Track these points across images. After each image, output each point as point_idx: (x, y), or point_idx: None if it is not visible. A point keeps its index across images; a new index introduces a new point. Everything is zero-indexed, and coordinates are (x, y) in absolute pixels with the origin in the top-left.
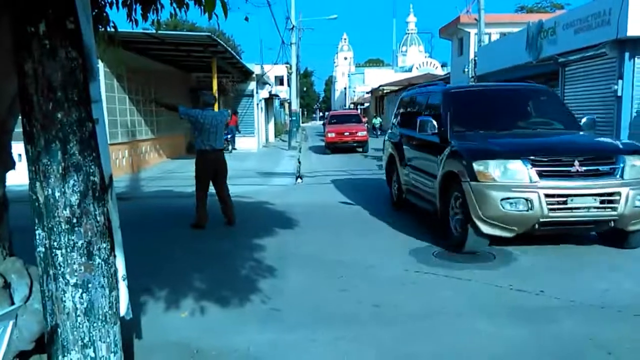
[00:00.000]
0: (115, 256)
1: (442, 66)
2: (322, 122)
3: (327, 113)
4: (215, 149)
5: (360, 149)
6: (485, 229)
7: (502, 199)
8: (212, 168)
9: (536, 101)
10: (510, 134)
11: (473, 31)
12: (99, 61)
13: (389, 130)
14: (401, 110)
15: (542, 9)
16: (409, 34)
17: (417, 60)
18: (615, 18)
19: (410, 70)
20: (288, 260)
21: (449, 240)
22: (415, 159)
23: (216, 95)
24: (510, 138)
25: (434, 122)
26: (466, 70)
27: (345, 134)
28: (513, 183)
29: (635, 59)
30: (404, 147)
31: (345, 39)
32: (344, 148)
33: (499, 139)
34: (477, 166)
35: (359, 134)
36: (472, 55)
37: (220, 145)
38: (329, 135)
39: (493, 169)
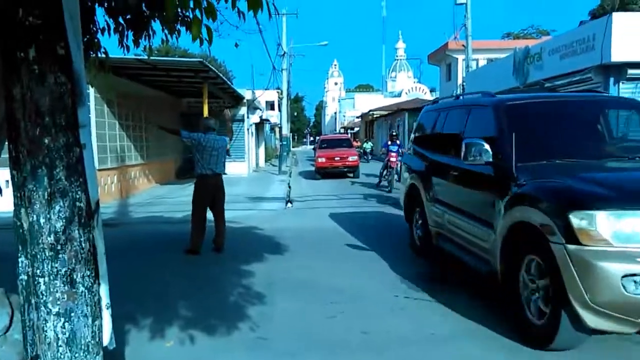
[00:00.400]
0: (99, 284)
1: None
2: (312, 146)
3: (317, 137)
4: (216, 173)
5: (351, 174)
6: (592, 320)
7: (624, 276)
8: (211, 193)
9: (622, 117)
10: (607, 167)
11: (461, 57)
12: (89, 86)
13: (406, 152)
14: (424, 129)
15: (528, 35)
16: (398, 59)
17: (406, 86)
18: (599, 44)
19: (399, 95)
20: (277, 287)
21: (523, 329)
22: (453, 195)
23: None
24: (615, 172)
25: (487, 148)
26: (454, 95)
27: (336, 158)
28: None
29: (620, 83)
30: (434, 177)
31: (335, 64)
32: (335, 173)
33: (596, 173)
34: (576, 220)
35: (350, 158)
36: (460, 81)
37: (221, 170)
38: (319, 160)
39: (606, 225)
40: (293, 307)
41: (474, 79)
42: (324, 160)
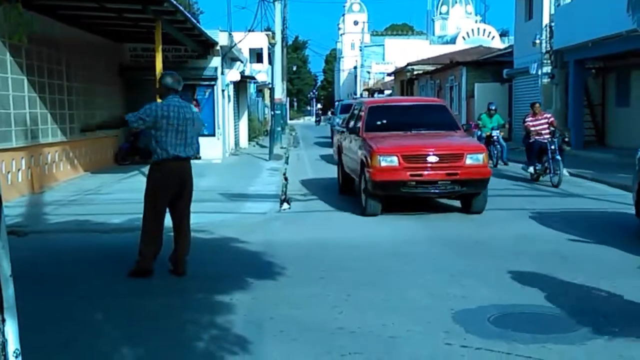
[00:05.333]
0: (4, 320)
1: (500, 36)
2: (317, 119)
3: (337, 103)
4: (181, 158)
5: (466, 202)
6: None
7: None
8: (173, 185)
9: None
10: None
11: None
12: None
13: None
14: None
15: None
16: None
17: (465, 27)
18: None
19: (453, 41)
20: (266, 328)
21: None
22: None
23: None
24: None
25: None
26: (537, 41)
27: (430, 158)
28: None
29: None
30: None
31: None
32: (421, 198)
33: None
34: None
35: (470, 160)
36: (546, 20)
37: (190, 153)
38: (379, 160)
39: None
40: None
41: (568, 17)
42: (393, 162)
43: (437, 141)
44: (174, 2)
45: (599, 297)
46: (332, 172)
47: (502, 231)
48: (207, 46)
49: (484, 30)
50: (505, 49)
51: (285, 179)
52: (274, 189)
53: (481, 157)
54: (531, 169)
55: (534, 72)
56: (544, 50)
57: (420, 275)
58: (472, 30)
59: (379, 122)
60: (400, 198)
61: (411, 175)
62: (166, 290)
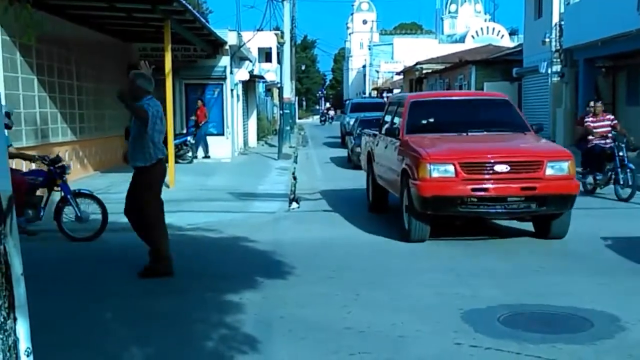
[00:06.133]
0: (15, 319)
1: (510, 34)
2: (322, 118)
3: (348, 102)
4: (165, 158)
5: (543, 226)
6: None
7: None
8: (162, 184)
9: None
10: None
11: None
12: None
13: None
14: None
15: None
16: None
17: (474, 26)
18: None
19: (462, 40)
20: (275, 327)
21: None
22: None
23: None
24: None
25: None
26: (547, 40)
27: (498, 167)
28: None
29: None
30: None
31: None
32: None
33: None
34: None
35: (553, 168)
36: (556, 19)
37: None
38: (435, 169)
39: None
40: (298, 359)
41: (577, 15)
42: (448, 172)
43: (506, 145)
44: (183, 2)
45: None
46: (347, 179)
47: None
48: (216, 45)
49: (493, 29)
50: (515, 47)
51: (294, 178)
52: (283, 188)
53: (566, 166)
54: (590, 179)
55: (544, 71)
56: (553, 49)
57: (429, 274)
58: (481, 29)
59: (424, 122)
60: (454, 219)
61: (473, 189)
62: (175, 289)
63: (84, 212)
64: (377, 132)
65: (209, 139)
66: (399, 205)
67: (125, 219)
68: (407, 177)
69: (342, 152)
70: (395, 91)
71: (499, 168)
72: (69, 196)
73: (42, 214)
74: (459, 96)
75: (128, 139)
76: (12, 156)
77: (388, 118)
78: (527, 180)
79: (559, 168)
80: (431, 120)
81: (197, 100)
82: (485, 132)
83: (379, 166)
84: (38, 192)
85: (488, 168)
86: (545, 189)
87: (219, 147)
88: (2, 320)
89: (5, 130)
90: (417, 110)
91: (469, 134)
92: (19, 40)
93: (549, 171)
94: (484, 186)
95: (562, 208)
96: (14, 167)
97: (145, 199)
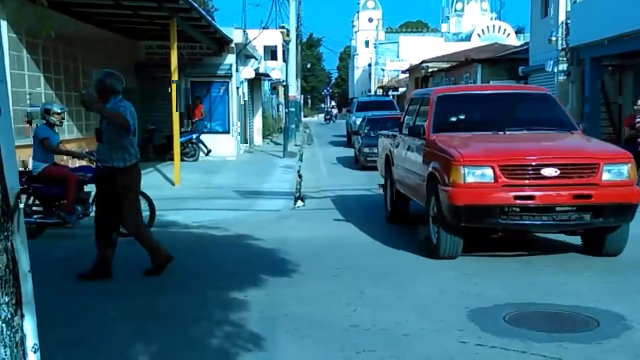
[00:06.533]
0: (22, 315)
1: (516, 33)
2: (327, 116)
3: (354, 100)
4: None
5: (597, 241)
6: None
7: None
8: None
9: None
10: None
11: None
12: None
13: None
14: None
15: None
16: None
17: (480, 24)
18: None
19: (468, 38)
20: (280, 325)
21: None
22: None
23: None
24: None
25: None
26: (553, 38)
27: (546, 170)
28: None
29: None
30: None
31: None
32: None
33: None
34: None
35: (610, 173)
36: (562, 17)
37: None
38: (470, 173)
39: None
40: (304, 355)
41: (584, 14)
42: (485, 176)
43: (554, 145)
44: (189, 0)
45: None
46: (356, 182)
47: None
48: (222, 43)
49: (499, 27)
50: (521, 46)
51: (299, 176)
52: (288, 187)
53: (626, 170)
54: None
55: (550, 70)
56: (559, 48)
57: (434, 273)
58: (487, 27)
59: (453, 119)
60: (492, 232)
61: (515, 197)
62: (180, 287)
63: None
64: (396, 133)
65: (211, 137)
66: (423, 214)
67: None
68: (434, 182)
69: (348, 152)
70: (401, 89)
71: (546, 172)
72: None
73: (90, 210)
74: (492, 90)
75: (101, 140)
76: (61, 153)
77: (410, 116)
78: (580, 186)
79: (618, 172)
80: (461, 117)
81: (196, 99)
82: (525, 131)
83: (399, 170)
84: (85, 188)
85: (534, 172)
86: (602, 197)
87: (224, 145)
88: (10, 316)
89: (56, 127)
90: (445, 106)
91: (507, 132)
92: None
93: (605, 176)
94: (529, 193)
95: (621, 220)
96: (62, 163)
97: (123, 205)
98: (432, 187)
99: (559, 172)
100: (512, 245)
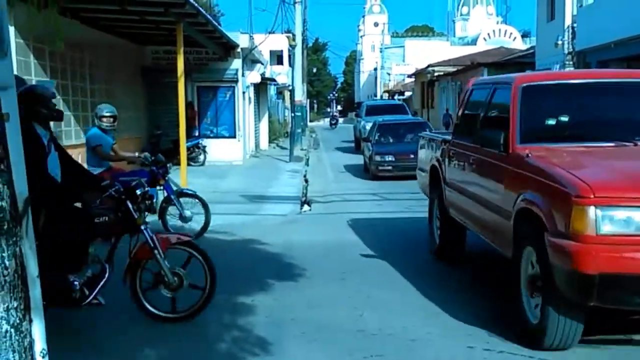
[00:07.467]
0: (31, 320)
1: (522, 37)
2: (332, 121)
3: (363, 104)
4: None
5: None
6: None
7: None
8: None
9: None
10: None
11: None
12: (10, 27)
13: None
14: None
15: None
16: None
17: (486, 28)
18: None
19: (474, 42)
20: (287, 329)
21: None
22: None
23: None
24: None
25: None
26: (559, 42)
27: None
28: None
29: None
30: None
31: None
32: None
33: None
34: None
35: None
36: (568, 21)
37: None
38: (609, 219)
39: None
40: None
41: (591, 17)
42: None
43: None
44: (196, 5)
45: None
46: (371, 196)
47: None
48: (228, 48)
49: (506, 31)
50: (527, 50)
51: (306, 180)
52: (295, 191)
53: None
54: None
55: None
56: (566, 52)
57: (441, 275)
58: (493, 31)
59: (552, 122)
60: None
61: None
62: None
63: (187, 211)
64: (447, 138)
65: (217, 141)
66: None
67: None
68: (533, 226)
69: (357, 159)
70: (407, 93)
71: None
72: (172, 196)
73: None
74: (608, 78)
75: None
76: (113, 160)
77: (469, 113)
78: None
79: None
80: (564, 119)
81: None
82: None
83: (456, 195)
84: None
85: None
86: None
87: (231, 150)
88: (18, 321)
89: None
90: (537, 102)
91: (638, 142)
92: (32, 43)
93: None
94: None
95: None
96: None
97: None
98: (529, 233)
99: None
100: None
